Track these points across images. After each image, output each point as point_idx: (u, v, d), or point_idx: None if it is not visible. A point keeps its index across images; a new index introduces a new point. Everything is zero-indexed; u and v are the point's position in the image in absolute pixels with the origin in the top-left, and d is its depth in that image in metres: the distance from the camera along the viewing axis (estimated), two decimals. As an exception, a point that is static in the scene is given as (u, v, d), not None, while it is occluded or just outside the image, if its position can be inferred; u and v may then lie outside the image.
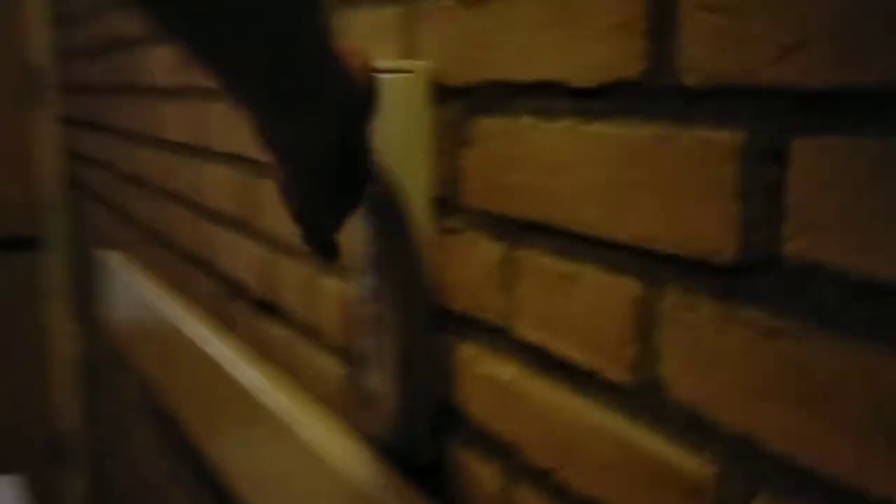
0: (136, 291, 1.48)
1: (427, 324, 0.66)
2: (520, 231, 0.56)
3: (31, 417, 2.74)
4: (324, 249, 0.63)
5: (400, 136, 0.65)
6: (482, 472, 0.62)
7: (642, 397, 0.47)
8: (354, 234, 0.73)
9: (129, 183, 1.76)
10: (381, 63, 0.65)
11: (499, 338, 0.59)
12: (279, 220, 0.99)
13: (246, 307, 1.11)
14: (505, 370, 0.58)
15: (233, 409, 1.05)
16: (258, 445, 0.97)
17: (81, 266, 2.51)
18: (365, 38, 0.75)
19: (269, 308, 1.03)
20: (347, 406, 0.84)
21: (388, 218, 0.67)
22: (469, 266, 0.62)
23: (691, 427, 0.44)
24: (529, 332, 0.56)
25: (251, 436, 0.99)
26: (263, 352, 1.06)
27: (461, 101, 0.61)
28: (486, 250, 0.60)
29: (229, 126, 1.14)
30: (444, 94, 0.63)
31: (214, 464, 1.16)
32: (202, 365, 1.15)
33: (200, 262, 1.31)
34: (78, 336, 2.64)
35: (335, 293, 0.85)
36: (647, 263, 0.46)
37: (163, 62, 1.43)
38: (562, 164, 0.51)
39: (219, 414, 1.11)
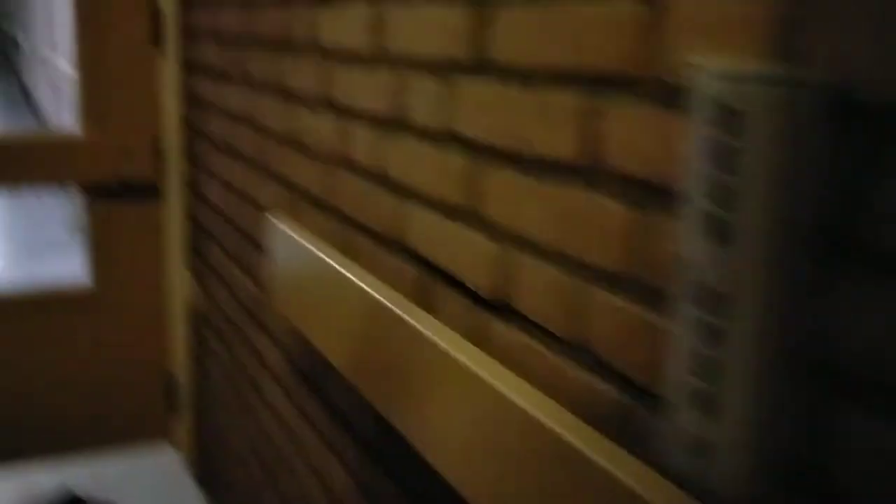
0: (308, 252, 1.40)
1: (800, 378, 0.57)
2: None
3: (148, 364, 2.73)
4: None
5: (776, 161, 0.55)
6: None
7: None
8: (687, 254, 0.63)
9: (272, 139, 1.68)
10: (742, 67, 0.55)
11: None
12: (515, 214, 0.89)
13: (456, 297, 1.03)
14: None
15: (455, 391, 0.97)
16: (482, 427, 0.90)
17: (195, 214, 2.46)
18: (712, 28, 0.64)
19: (493, 306, 0.95)
20: (623, 432, 0.75)
21: (756, 248, 0.57)
22: (875, 323, 0.52)
23: None
24: None
25: (475, 419, 0.92)
26: (483, 348, 0.98)
27: (885, 123, 0.51)
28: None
29: (430, 103, 1.04)
30: (853, 112, 0.53)
31: (408, 434, 1.09)
32: (407, 340, 1.08)
33: (378, 235, 1.23)
34: (191, 284, 2.60)
35: (610, 307, 0.76)
36: None
37: (333, 23, 1.34)
38: None
39: (427, 391, 1.04)
